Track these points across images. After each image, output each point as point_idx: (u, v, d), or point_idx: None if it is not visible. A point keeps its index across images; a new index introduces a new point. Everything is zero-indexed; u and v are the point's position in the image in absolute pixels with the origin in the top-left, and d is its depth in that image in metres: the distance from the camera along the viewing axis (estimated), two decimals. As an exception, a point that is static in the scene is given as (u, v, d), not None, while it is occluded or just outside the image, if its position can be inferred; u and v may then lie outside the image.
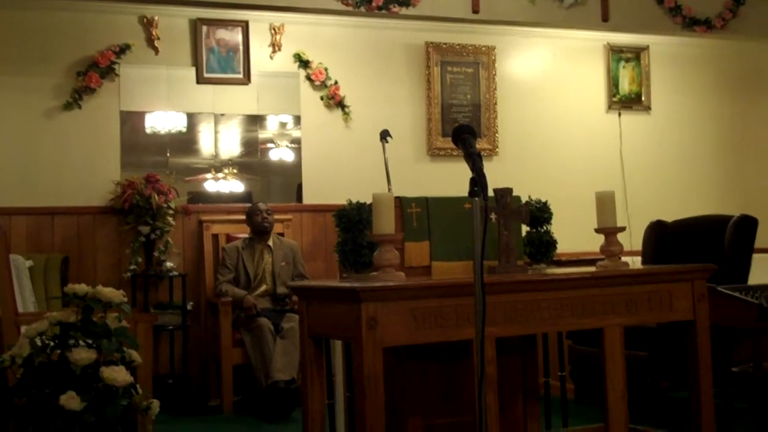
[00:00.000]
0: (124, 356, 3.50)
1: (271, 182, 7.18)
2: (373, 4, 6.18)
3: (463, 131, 2.86)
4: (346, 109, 7.08)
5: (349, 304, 3.12)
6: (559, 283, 3.45)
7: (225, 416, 5.94)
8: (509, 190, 3.71)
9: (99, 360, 3.37)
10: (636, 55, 7.89)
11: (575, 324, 3.52)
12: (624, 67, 7.86)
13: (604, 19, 6.68)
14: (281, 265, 6.38)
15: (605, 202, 3.81)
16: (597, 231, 3.81)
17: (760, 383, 4.26)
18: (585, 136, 7.74)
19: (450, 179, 6.61)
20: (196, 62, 6.75)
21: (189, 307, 6.33)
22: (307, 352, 3.49)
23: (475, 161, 2.68)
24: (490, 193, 3.61)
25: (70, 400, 3.21)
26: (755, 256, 5.27)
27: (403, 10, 6.31)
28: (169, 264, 6.28)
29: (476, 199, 2.60)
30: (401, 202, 3.84)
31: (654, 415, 5.03)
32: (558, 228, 4.63)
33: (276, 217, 6.55)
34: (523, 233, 4.35)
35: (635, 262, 5.80)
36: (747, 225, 5.22)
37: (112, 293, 3.52)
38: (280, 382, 5.74)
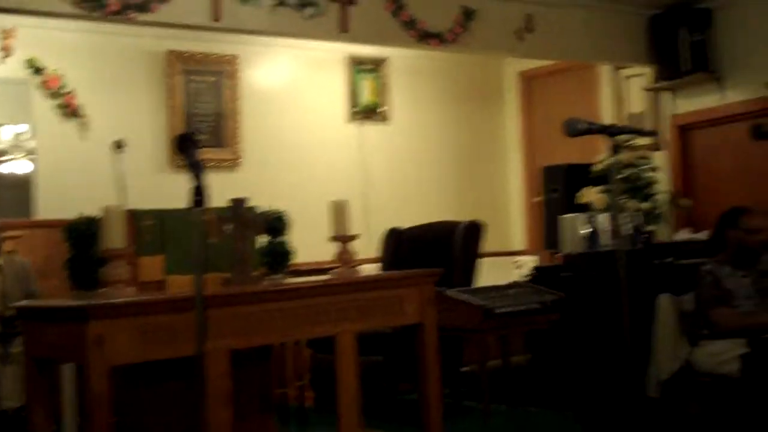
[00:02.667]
0: None
1: (2, 197, 6.75)
2: (108, 9, 5.94)
3: (185, 139, 2.83)
4: (83, 119, 6.79)
5: (74, 323, 3.00)
6: (292, 293, 3.48)
7: (-53, 449, 5.52)
8: (244, 200, 3.70)
9: None
10: (376, 66, 8.11)
11: (309, 332, 3.57)
12: (365, 78, 8.06)
13: (344, 30, 6.80)
14: (11, 285, 6.01)
15: (340, 211, 3.88)
16: (332, 239, 3.88)
17: (486, 381, 4.50)
18: (326, 146, 7.85)
19: (194, 191, 6.49)
20: None
21: None
22: (30, 377, 3.31)
23: (197, 170, 2.65)
24: (225, 203, 3.60)
25: None
26: (484, 260, 5.55)
27: (141, 16, 6.09)
28: None
29: (198, 209, 2.57)
30: (134, 216, 3.74)
31: (390, 417, 5.16)
32: (300, 238, 4.69)
33: (6, 234, 6.16)
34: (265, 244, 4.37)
35: (377, 269, 5.97)
36: (473, 230, 5.50)
37: None
38: (9, 410, 5.42)
